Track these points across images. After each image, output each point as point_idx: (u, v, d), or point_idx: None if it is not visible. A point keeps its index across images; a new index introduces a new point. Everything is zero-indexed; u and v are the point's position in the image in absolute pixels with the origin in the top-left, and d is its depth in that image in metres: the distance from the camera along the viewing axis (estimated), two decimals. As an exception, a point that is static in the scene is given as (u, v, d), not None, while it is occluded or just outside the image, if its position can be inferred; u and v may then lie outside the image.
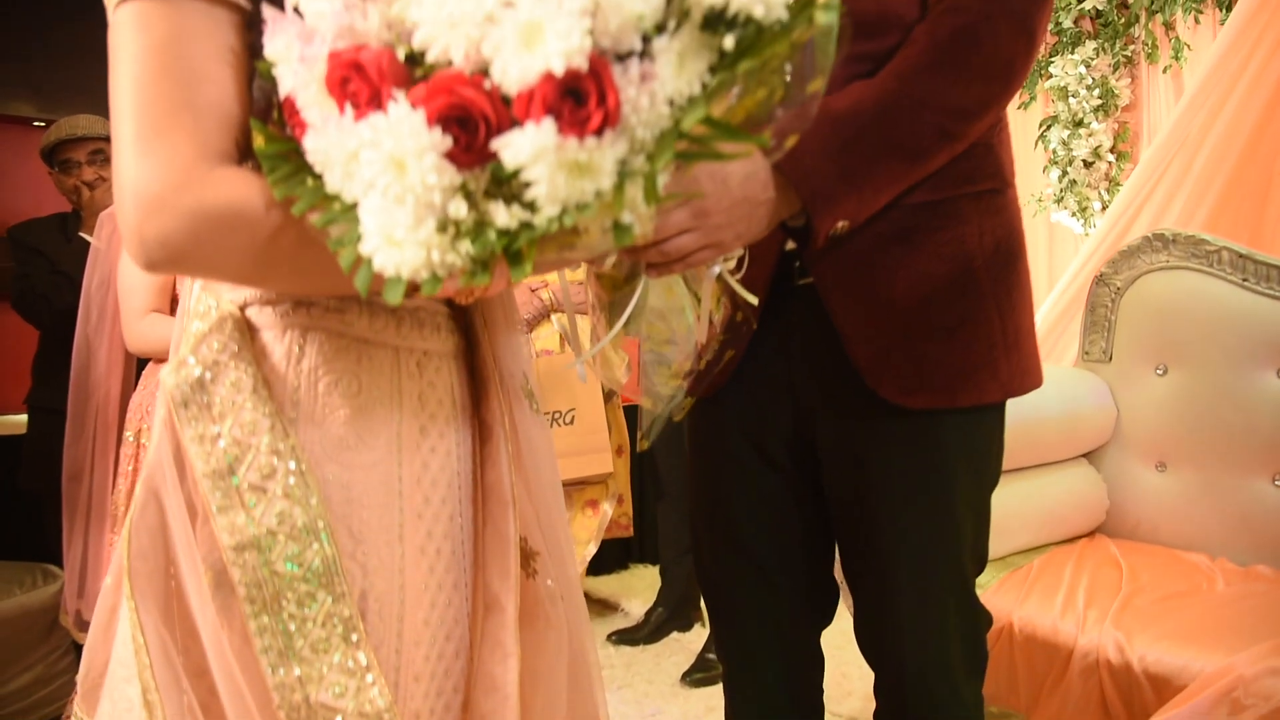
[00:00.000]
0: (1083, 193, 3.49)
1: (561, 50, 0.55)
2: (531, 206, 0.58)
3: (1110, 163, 3.47)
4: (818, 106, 0.69)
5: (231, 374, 0.70)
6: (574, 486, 2.69)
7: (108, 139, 2.48)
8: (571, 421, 2.56)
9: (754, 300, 0.95)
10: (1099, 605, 1.65)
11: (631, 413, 2.22)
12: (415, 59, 0.62)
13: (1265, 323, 1.86)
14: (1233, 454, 1.91)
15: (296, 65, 0.66)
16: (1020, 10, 1.02)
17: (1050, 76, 3.55)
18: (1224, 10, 3.10)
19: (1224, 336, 1.91)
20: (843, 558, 1.23)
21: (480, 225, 0.60)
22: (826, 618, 1.31)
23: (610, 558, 3.68)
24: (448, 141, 0.57)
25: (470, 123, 0.58)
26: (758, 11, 0.58)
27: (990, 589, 1.79)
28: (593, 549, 2.76)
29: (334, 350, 0.74)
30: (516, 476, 0.82)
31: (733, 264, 0.94)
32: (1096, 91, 3.46)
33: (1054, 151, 3.55)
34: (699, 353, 0.98)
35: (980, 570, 1.21)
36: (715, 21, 0.59)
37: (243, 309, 0.74)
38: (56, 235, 2.43)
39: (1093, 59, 3.46)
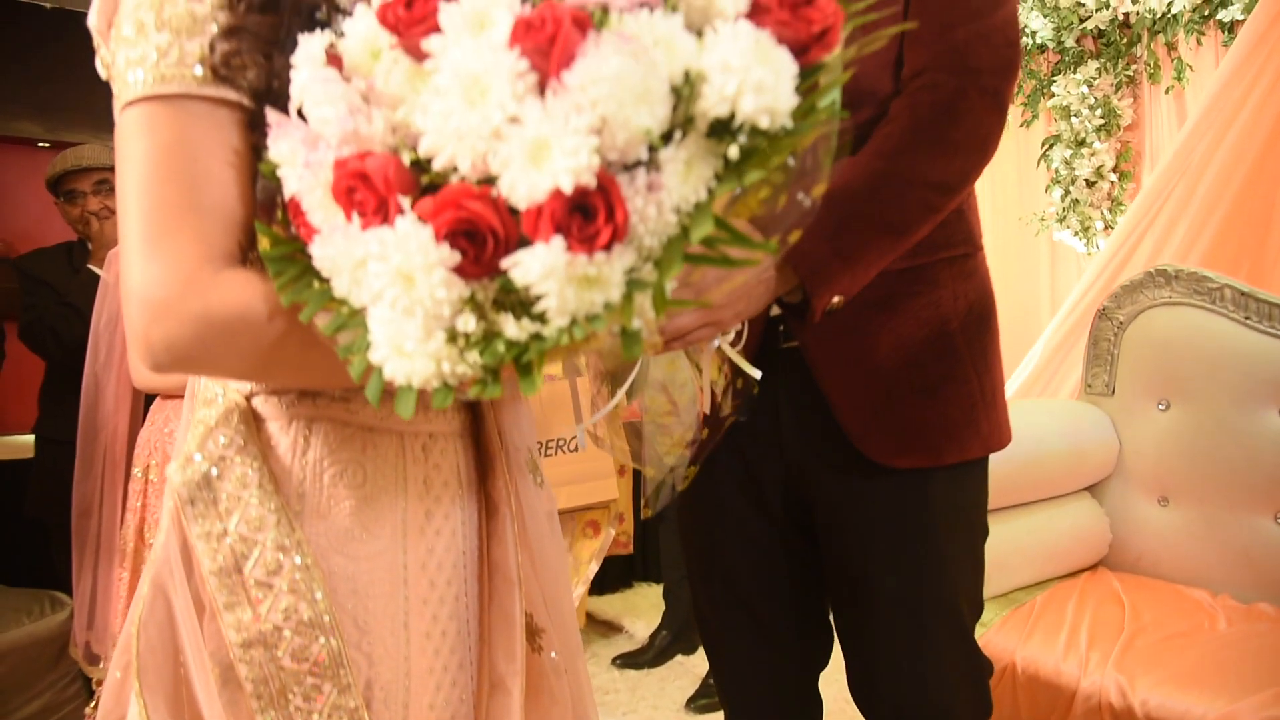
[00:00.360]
0: (1085, 212, 3.49)
1: (570, 168, 0.55)
2: (541, 318, 0.59)
3: (1113, 182, 3.47)
4: (819, 205, 0.70)
5: (237, 469, 0.71)
6: (575, 510, 2.70)
7: (113, 168, 2.49)
8: (575, 449, 2.56)
9: (756, 374, 0.97)
10: (1101, 646, 1.65)
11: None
12: (421, 164, 0.63)
13: (1267, 361, 1.86)
14: (1235, 491, 1.92)
15: (302, 170, 0.66)
16: (991, 85, 1.07)
17: (1052, 95, 3.56)
18: (1226, 32, 3.10)
19: (1226, 374, 1.91)
20: (835, 612, 1.25)
21: (489, 335, 0.60)
22: (823, 661, 1.34)
23: (613, 575, 3.68)
24: (456, 256, 0.58)
25: (478, 236, 0.58)
26: (763, 122, 0.58)
27: (993, 627, 1.80)
28: (594, 567, 2.76)
29: (339, 440, 0.75)
30: (522, 554, 0.82)
31: (731, 336, 0.95)
32: (1099, 111, 3.46)
33: (1056, 171, 3.56)
34: (701, 422, 0.99)
35: (978, 616, 1.24)
36: (721, 130, 0.60)
37: (248, 398, 0.75)
38: (63, 266, 2.45)
39: (1095, 79, 3.46)
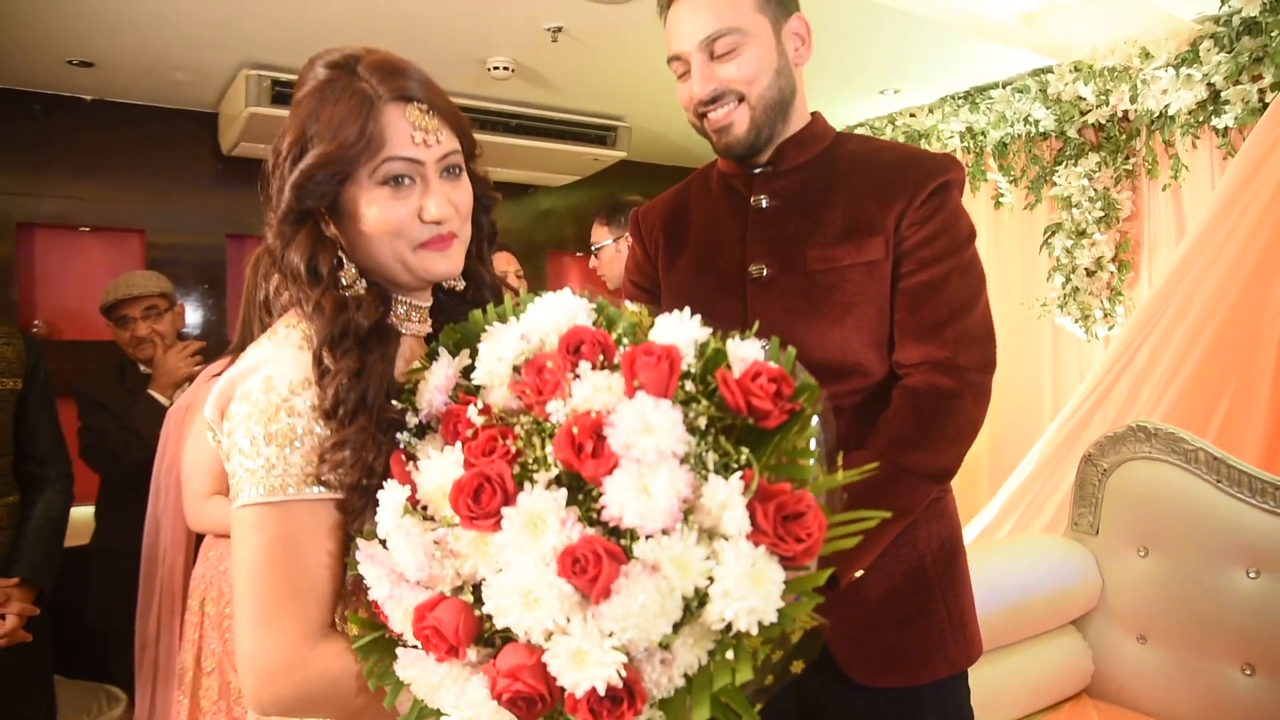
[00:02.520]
0: (1085, 300, 3.61)
1: (604, 677, 0.72)
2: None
3: (1112, 272, 3.59)
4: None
5: None
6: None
7: (161, 294, 2.66)
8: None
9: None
10: (1076, 799, 1.80)
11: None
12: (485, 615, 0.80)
13: (1237, 526, 1.98)
14: (1206, 640, 2.05)
15: (386, 600, 0.84)
16: (979, 383, 1.26)
17: (1054, 185, 3.67)
18: (1220, 136, 3.20)
19: (1199, 533, 2.04)
20: None
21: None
22: None
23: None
24: (513, 719, 0.76)
25: (531, 700, 0.75)
26: (754, 631, 0.75)
27: (977, 771, 1.94)
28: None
29: None
30: None
31: None
32: (1099, 203, 3.57)
33: (1058, 259, 3.67)
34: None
35: None
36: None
37: None
38: (116, 386, 2.62)
39: (1095, 172, 3.57)
